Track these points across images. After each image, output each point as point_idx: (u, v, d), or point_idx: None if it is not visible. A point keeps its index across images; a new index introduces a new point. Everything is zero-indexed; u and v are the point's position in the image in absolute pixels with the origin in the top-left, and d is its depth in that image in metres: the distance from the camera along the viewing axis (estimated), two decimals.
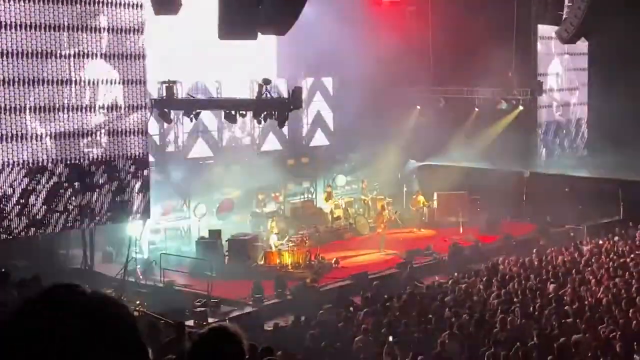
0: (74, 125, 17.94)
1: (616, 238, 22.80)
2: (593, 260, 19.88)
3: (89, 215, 18.45)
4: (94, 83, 18.25)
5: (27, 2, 16.90)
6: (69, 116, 17.87)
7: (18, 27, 16.82)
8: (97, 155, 18.47)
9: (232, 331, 3.16)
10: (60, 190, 17.81)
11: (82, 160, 18.17)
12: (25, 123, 17.13)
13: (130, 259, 19.42)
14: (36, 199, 17.40)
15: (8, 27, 16.70)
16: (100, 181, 18.52)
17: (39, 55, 17.24)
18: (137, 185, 19.15)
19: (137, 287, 18.87)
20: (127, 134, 18.99)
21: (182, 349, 9.25)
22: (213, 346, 3.15)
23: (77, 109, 18.02)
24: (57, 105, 17.61)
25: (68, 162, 17.92)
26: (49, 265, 17.60)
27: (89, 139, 18.26)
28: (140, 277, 19.50)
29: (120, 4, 18.50)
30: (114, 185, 18.71)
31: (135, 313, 14.84)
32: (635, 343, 12.67)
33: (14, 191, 17.03)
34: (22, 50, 16.94)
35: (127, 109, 18.92)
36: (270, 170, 24.73)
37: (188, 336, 9.89)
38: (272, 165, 25.13)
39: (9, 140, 16.94)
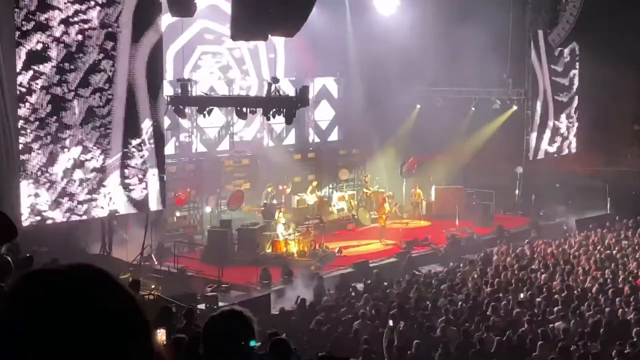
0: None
1: (604, 231, 22.74)
2: (581, 251, 19.84)
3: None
4: None
5: None
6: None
7: None
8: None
9: (244, 314, 3.13)
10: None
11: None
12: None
13: (146, 246, 19.43)
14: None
15: None
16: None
17: None
18: (153, 177, 19.16)
19: (152, 272, 18.88)
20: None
21: (194, 330, 9.28)
22: (225, 327, 3.10)
23: None
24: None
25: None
26: (69, 251, 17.57)
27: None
28: (156, 262, 19.52)
29: None
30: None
31: (150, 297, 14.86)
32: (620, 330, 12.68)
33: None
34: None
35: None
36: (279, 164, 24.70)
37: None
38: (280, 159, 25.09)
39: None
